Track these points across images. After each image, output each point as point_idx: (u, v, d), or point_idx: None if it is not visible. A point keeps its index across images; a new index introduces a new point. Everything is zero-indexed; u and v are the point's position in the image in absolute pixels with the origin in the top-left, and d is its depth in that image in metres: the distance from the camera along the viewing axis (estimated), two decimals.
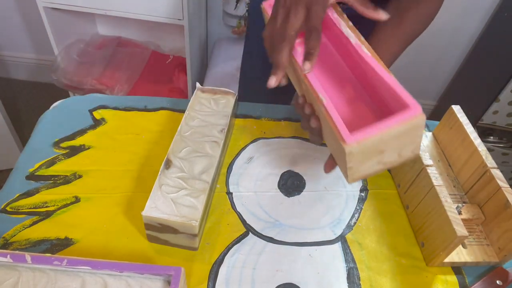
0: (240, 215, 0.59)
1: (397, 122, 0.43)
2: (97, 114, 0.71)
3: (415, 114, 0.43)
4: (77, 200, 0.58)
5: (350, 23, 0.53)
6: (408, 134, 0.45)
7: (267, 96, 0.74)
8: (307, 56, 0.48)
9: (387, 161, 0.46)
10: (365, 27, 0.67)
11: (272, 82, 0.51)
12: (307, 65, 0.48)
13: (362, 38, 0.51)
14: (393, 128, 0.43)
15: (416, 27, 0.63)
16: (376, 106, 0.53)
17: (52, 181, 0.60)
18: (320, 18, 0.49)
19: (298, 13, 0.49)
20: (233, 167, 0.65)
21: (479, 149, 0.59)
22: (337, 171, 0.66)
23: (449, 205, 0.52)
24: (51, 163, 0.62)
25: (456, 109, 0.66)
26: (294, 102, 0.56)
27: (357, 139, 0.42)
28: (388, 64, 0.61)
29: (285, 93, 0.95)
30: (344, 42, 0.52)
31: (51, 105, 0.73)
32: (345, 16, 0.54)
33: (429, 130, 0.75)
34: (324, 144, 0.70)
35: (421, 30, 0.65)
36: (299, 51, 0.52)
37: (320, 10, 0.49)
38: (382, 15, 0.54)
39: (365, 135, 0.42)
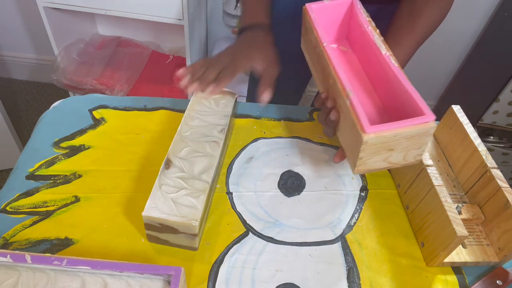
0: (240, 215, 0.59)
1: (412, 124, 0.49)
2: (97, 114, 0.71)
3: (429, 120, 0.49)
4: (77, 199, 0.58)
5: (380, 36, 0.60)
6: (418, 138, 0.50)
7: (276, 96, 0.75)
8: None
9: (392, 161, 0.52)
10: (380, 29, 0.67)
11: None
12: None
13: (390, 51, 0.57)
14: (408, 128, 0.49)
15: (429, 28, 0.65)
16: (386, 110, 0.60)
17: (52, 181, 0.60)
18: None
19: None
20: (233, 167, 0.65)
21: (479, 149, 0.59)
22: (337, 170, 0.66)
23: (449, 205, 0.52)
24: (51, 163, 0.62)
25: (456, 109, 0.66)
26: (316, 98, 0.62)
27: (375, 131, 0.48)
28: (403, 64, 0.64)
29: (293, 93, 0.95)
30: (374, 52, 0.58)
31: (51, 105, 0.73)
32: (375, 27, 0.61)
33: None
34: (324, 145, 0.70)
35: (435, 27, 0.66)
36: (334, 50, 0.62)
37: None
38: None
39: (383, 128, 0.48)
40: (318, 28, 0.61)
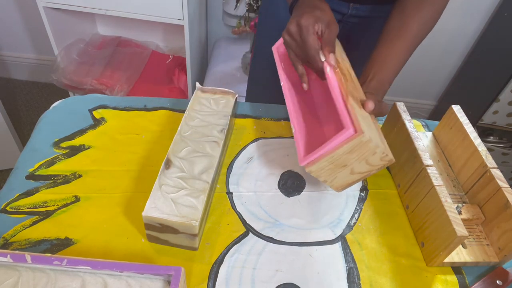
0: (240, 215, 0.59)
1: (334, 144, 0.48)
2: (97, 114, 0.71)
3: (349, 135, 0.48)
4: (77, 199, 0.58)
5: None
6: (359, 151, 0.49)
7: (275, 96, 0.75)
8: (303, 78, 0.60)
9: (360, 170, 0.51)
10: (371, 34, 0.67)
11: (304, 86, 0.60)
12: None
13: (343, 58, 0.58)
14: (336, 149, 0.48)
15: (421, 31, 0.64)
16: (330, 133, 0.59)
17: (52, 181, 0.60)
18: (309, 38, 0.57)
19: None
20: (233, 167, 0.65)
21: (479, 149, 0.59)
22: None
23: (449, 205, 0.52)
24: (51, 163, 0.62)
25: (456, 109, 0.66)
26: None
27: (307, 162, 0.50)
28: (397, 69, 0.63)
29: None
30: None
31: (51, 105, 0.73)
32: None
33: (429, 130, 0.75)
34: None
35: (426, 33, 0.65)
36: (290, 88, 0.64)
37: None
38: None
39: (313, 157, 0.50)
40: (278, 68, 0.65)
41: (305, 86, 0.59)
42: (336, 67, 0.56)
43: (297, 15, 0.59)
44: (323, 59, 0.56)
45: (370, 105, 0.54)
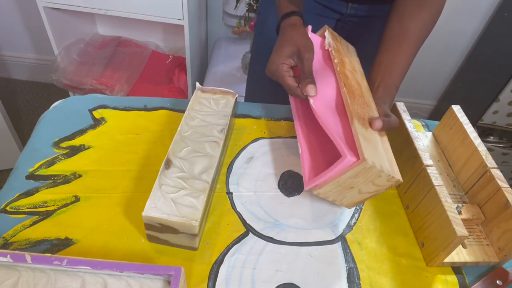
0: (240, 215, 0.59)
1: (338, 171, 0.49)
2: (97, 114, 0.71)
3: (351, 162, 0.48)
4: (77, 199, 0.58)
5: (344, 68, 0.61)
6: (364, 175, 0.49)
7: (274, 96, 0.75)
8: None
9: (369, 191, 0.52)
10: (370, 33, 0.67)
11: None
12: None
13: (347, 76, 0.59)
14: (339, 175, 0.49)
15: (423, 33, 0.64)
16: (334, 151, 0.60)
17: (52, 181, 0.60)
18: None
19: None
20: (233, 167, 0.65)
21: (479, 149, 0.59)
22: None
23: (449, 205, 0.52)
24: (51, 163, 0.62)
25: (456, 109, 0.66)
26: None
27: (312, 185, 0.52)
28: (404, 73, 0.63)
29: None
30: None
31: (51, 105, 0.73)
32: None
33: (429, 130, 0.75)
34: None
35: (427, 34, 0.65)
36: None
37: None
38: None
39: (316, 182, 0.51)
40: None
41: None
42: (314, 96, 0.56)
43: (271, 55, 0.61)
44: (309, 93, 0.56)
45: (378, 124, 0.54)
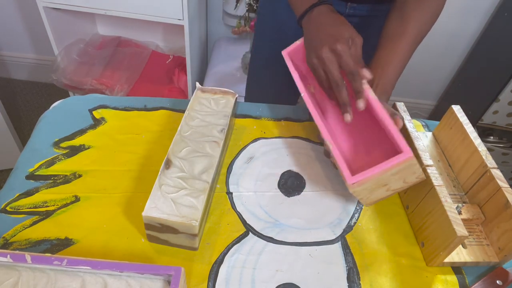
0: (240, 215, 0.59)
1: (391, 165, 0.50)
2: (97, 114, 0.71)
3: (405, 158, 0.50)
4: (77, 199, 0.58)
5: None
6: (404, 171, 0.51)
7: (274, 96, 0.75)
8: (358, 95, 0.55)
9: (395, 188, 0.54)
10: (370, 33, 0.67)
11: (348, 118, 0.56)
12: (361, 104, 0.55)
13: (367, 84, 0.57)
14: (387, 170, 0.50)
15: (421, 32, 0.64)
16: (367, 144, 0.61)
17: (52, 181, 0.60)
18: (351, 61, 0.54)
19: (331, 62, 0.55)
20: (233, 167, 0.65)
21: (479, 149, 0.59)
22: (337, 171, 0.66)
23: (449, 205, 0.52)
24: (51, 163, 0.62)
25: (456, 109, 0.66)
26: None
27: (356, 181, 0.51)
28: (401, 70, 0.63)
29: (292, 93, 0.95)
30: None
31: (51, 105, 0.73)
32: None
33: (429, 130, 0.75)
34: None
35: (425, 34, 0.65)
36: (310, 97, 0.61)
37: (347, 55, 0.54)
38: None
39: (363, 177, 0.50)
40: (295, 76, 0.63)
41: (348, 117, 0.56)
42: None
43: (315, 44, 0.56)
44: (363, 83, 0.55)
45: (401, 122, 0.55)
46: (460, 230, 0.49)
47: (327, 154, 0.61)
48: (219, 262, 0.53)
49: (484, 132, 1.54)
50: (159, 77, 1.59)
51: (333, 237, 0.57)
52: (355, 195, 0.53)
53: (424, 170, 0.56)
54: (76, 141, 0.66)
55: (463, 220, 0.56)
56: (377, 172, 0.50)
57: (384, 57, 0.63)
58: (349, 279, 0.53)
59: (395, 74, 0.62)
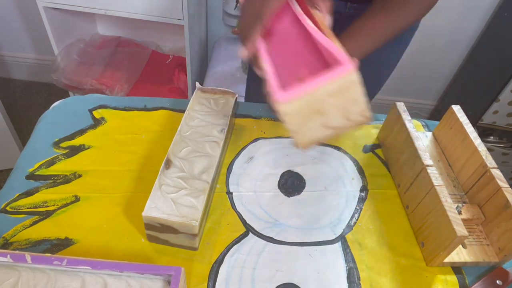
0: (240, 215, 0.59)
1: (326, 79, 0.42)
2: (97, 114, 0.71)
3: (344, 70, 0.42)
4: (77, 199, 0.58)
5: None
6: (344, 92, 0.43)
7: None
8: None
9: (334, 125, 0.45)
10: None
11: (244, 52, 0.51)
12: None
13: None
14: (321, 87, 0.42)
15: (405, 17, 0.62)
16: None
17: (52, 181, 0.60)
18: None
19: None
20: (233, 167, 0.65)
21: (479, 149, 0.59)
22: (337, 170, 0.66)
23: (449, 205, 0.52)
24: (51, 163, 0.62)
25: (456, 109, 0.66)
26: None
27: (287, 96, 0.42)
28: (367, 45, 0.60)
29: None
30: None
31: (51, 105, 0.73)
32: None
33: (429, 130, 0.75)
34: (324, 144, 0.70)
35: (411, 21, 0.63)
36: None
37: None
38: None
39: (293, 93, 0.42)
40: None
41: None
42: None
43: None
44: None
45: (327, 19, 0.50)
46: (460, 230, 0.49)
47: (253, 60, 0.53)
48: (219, 262, 0.53)
49: (484, 132, 1.54)
50: (159, 77, 1.59)
51: (333, 237, 0.57)
52: (287, 126, 0.45)
53: (424, 170, 0.56)
54: (76, 141, 0.66)
55: (463, 220, 0.56)
56: (310, 88, 0.42)
57: (354, 29, 0.61)
58: (349, 279, 0.53)
59: (361, 45, 0.60)
